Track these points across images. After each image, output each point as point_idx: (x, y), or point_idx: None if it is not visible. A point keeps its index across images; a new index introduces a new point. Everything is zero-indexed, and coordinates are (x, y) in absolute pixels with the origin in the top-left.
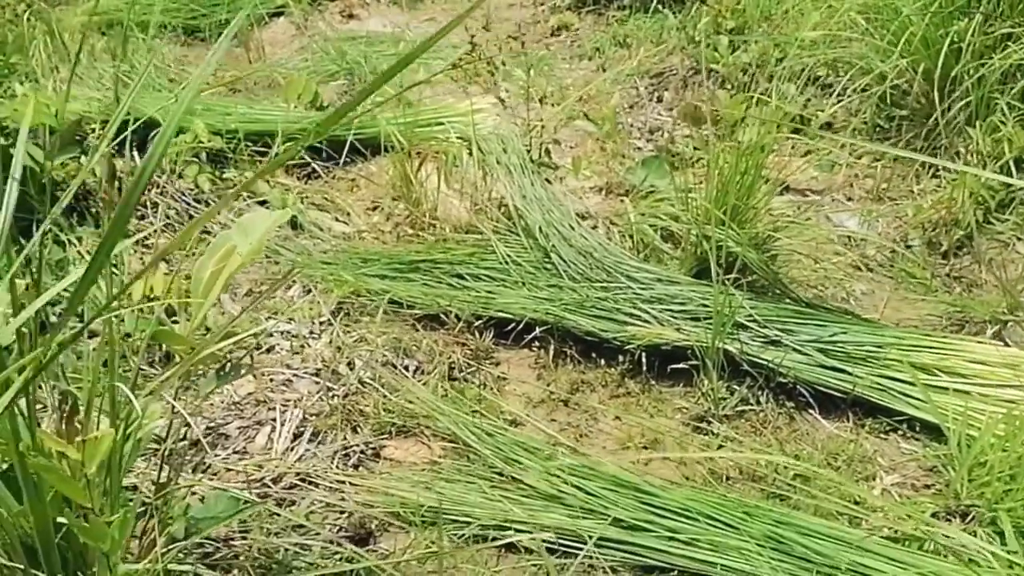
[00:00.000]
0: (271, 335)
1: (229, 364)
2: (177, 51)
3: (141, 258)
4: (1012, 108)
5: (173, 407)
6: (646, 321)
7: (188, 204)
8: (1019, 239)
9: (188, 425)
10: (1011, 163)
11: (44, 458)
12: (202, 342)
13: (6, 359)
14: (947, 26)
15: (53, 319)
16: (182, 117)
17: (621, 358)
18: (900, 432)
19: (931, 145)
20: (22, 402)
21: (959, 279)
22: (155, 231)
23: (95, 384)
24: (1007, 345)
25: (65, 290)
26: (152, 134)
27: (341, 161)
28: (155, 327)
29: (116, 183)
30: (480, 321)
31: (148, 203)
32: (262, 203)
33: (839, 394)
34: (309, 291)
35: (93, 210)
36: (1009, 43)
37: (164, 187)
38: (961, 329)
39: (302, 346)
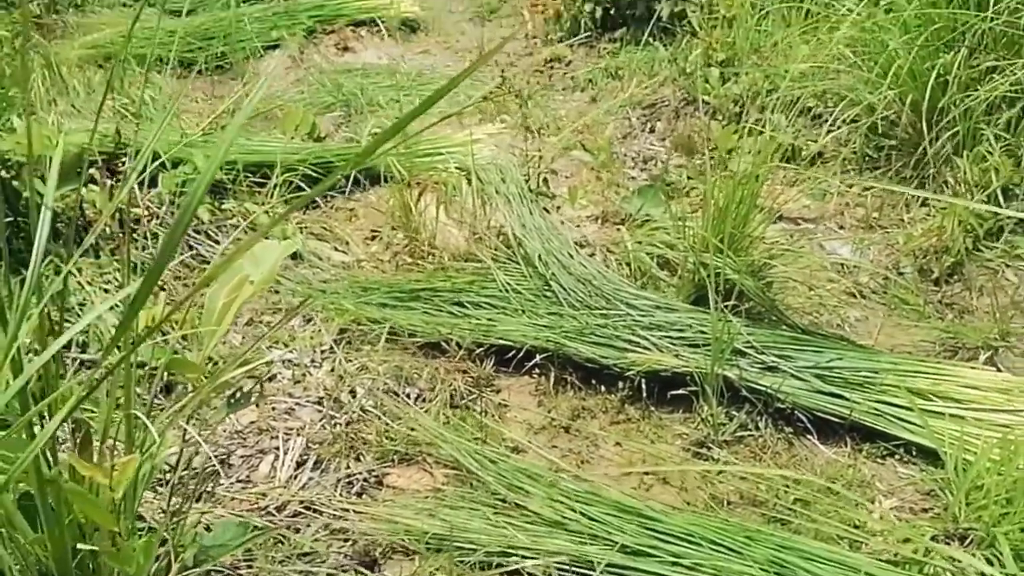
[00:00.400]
0: (272, 363)
1: (239, 392)
2: (174, 84)
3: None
4: (998, 138)
5: (184, 434)
6: (645, 348)
7: (188, 235)
8: (1008, 266)
9: (196, 453)
10: (998, 192)
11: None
12: (214, 371)
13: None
14: (933, 59)
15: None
16: (181, 149)
17: (621, 384)
18: (897, 456)
19: (920, 175)
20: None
21: (951, 306)
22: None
23: (111, 412)
24: (999, 370)
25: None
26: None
27: (341, 191)
28: (170, 356)
29: (118, 215)
30: (481, 349)
31: (148, 234)
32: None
33: (837, 419)
34: (310, 320)
35: (93, 241)
36: (994, 75)
37: (163, 218)
38: (954, 355)
39: (304, 375)
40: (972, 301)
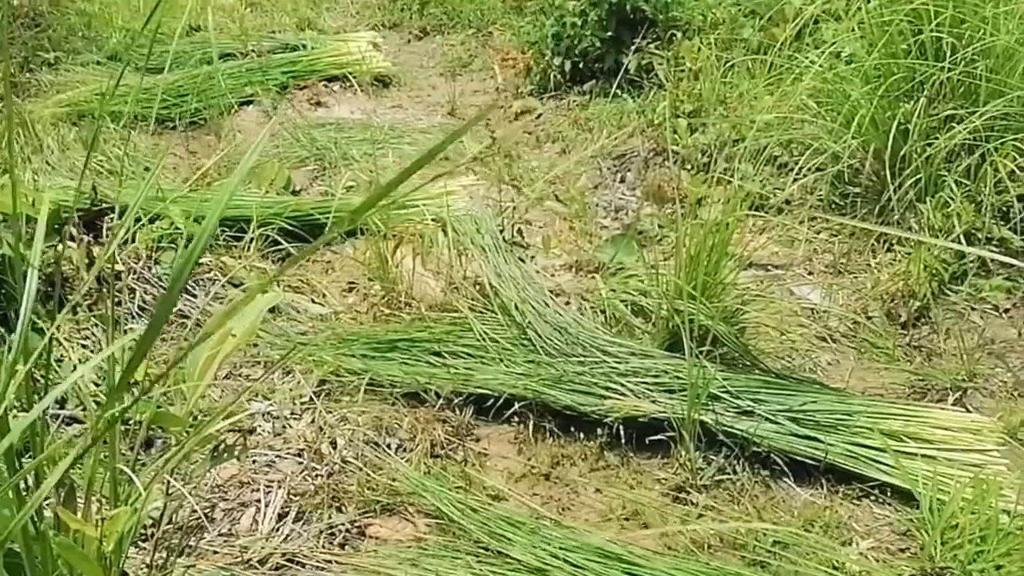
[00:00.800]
0: (253, 416)
1: (223, 446)
2: (149, 141)
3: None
4: (959, 184)
5: (167, 488)
6: (623, 394)
7: (165, 290)
8: (973, 309)
9: (179, 507)
10: (961, 237)
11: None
12: (197, 424)
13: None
14: (894, 108)
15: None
16: (157, 205)
17: (600, 431)
18: (873, 497)
19: (884, 221)
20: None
21: (919, 348)
22: (133, 317)
23: (96, 467)
24: (968, 411)
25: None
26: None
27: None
28: (154, 410)
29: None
30: (460, 398)
31: (125, 289)
32: (237, 286)
33: (812, 462)
34: (289, 372)
35: (70, 297)
36: (953, 123)
37: (140, 273)
38: (924, 396)
39: (284, 427)
40: (940, 344)
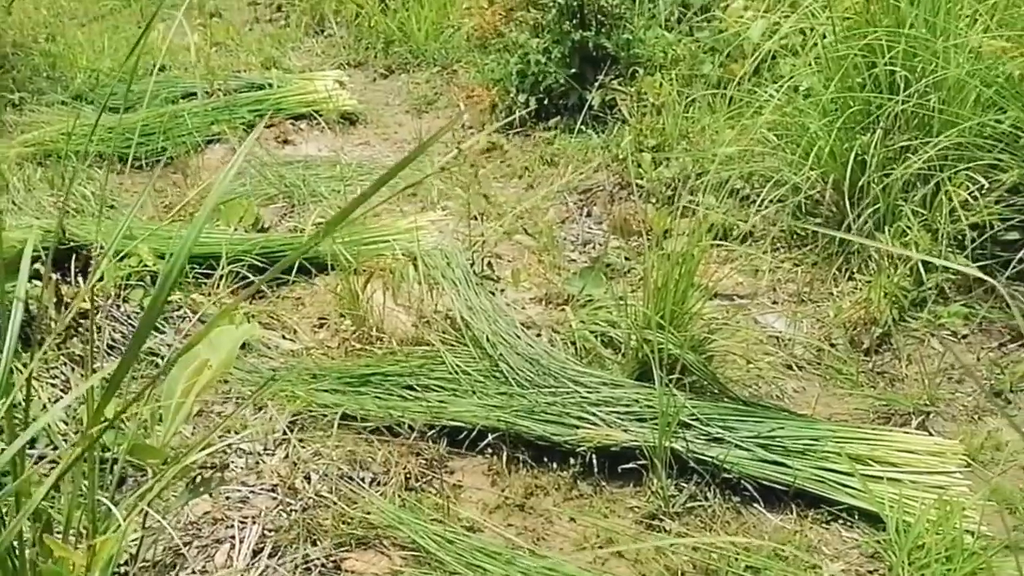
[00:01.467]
0: (225, 452)
1: (199, 479)
2: (115, 180)
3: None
4: (916, 214)
5: (143, 522)
6: (594, 424)
7: (133, 327)
8: (933, 335)
9: (154, 543)
10: (920, 264)
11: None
12: (173, 459)
13: None
14: (851, 140)
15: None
16: (124, 243)
17: (572, 461)
18: (841, 521)
19: (844, 250)
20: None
21: (882, 374)
22: (101, 354)
23: (73, 501)
24: (931, 434)
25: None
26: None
27: (286, 280)
28: (131, 442)
29: (63, 307)
30: (433, 430)
31: (93, 327)
32: (204, 322)
33: (781, 487)
34: (262, 408)
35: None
36: (908, 154)
37: (109, 311)
38: (888, 421)
39: (257, 462)
40: (901, 369)
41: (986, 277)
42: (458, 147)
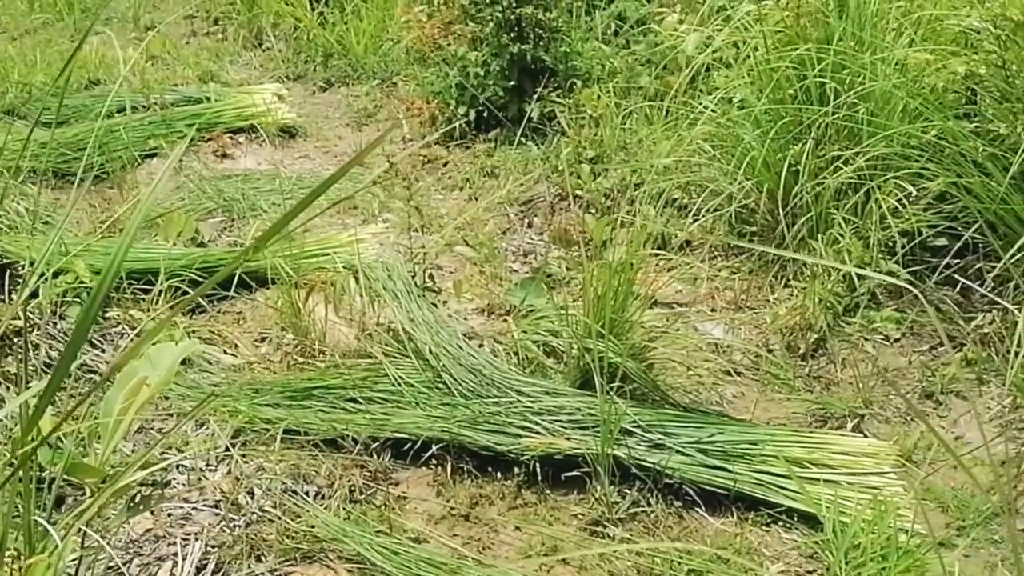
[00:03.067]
0: (166, 469)
1: (139, 497)
2: (49, 195)
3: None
4: (847, 221)
5: (82, 542)
6: (538, 433)
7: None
8: (866, 339)
9: (94, 562)
10: (852, 271)
11: None
12: (112, 477)
13: None
14: (784, 151)
15: None
16: (60, 258)
17: (517, 470)
18: (780, 523)
19: (780, 258)
20: None
21: (818, 378)
22: (38, 373)
23: (7, 522)
24: (865, 436)
25: None
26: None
27: (226, 295)
28: (69, 460)
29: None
30: (377, 443)
31: (29, 344)
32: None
33: (722, 491)
34: (203, 424)
35: None
36: (839, 164)
37: (45, 328)
38: (824, 424)
39: (200, 479)
40: (836, 373)
41: (907, 286)
42: (389, 160)
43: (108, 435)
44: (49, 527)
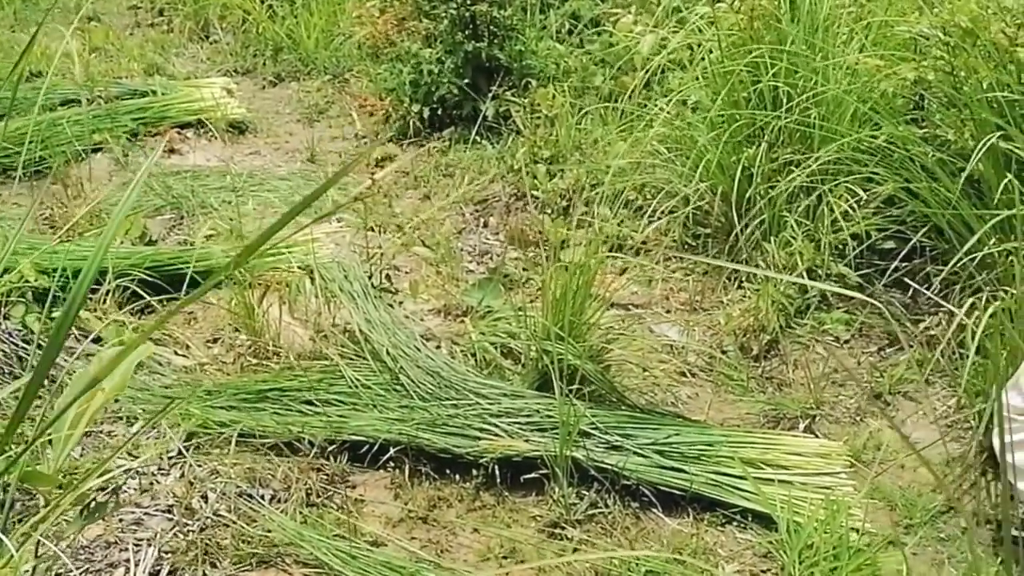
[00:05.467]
0: (120, 474)
1: (93, 503)
2: None
3: None
4: (800, 224)
5: (36, 550)
6: (496, 435)
7: (16, 345)
8: (817, 341)
9: (48, 570)
10: (804, 273)
11: None
12: (67, 483)
13: None
14: (738, 154)
15: None
16: (8, 258)
17: (475, 472)
18: (735, 523)
19: (733, 259)
20: None
21: (770, 379)
22: None
23: None
24: (817, 436)
25: None
26: None
27: (176, 295)
28: (23, 468)
29: None
30: (334, 445)
31: None
32: (96, 340)
33: (678, 492)
34: (155, 427)
35: None
36: (792, 167)
37: None
38: (777, 424)
39: (151, 483)
40: (789, 374)
41: (854, 293)
42: (371, 177)
43: (62, 442)
44: (4, 537)
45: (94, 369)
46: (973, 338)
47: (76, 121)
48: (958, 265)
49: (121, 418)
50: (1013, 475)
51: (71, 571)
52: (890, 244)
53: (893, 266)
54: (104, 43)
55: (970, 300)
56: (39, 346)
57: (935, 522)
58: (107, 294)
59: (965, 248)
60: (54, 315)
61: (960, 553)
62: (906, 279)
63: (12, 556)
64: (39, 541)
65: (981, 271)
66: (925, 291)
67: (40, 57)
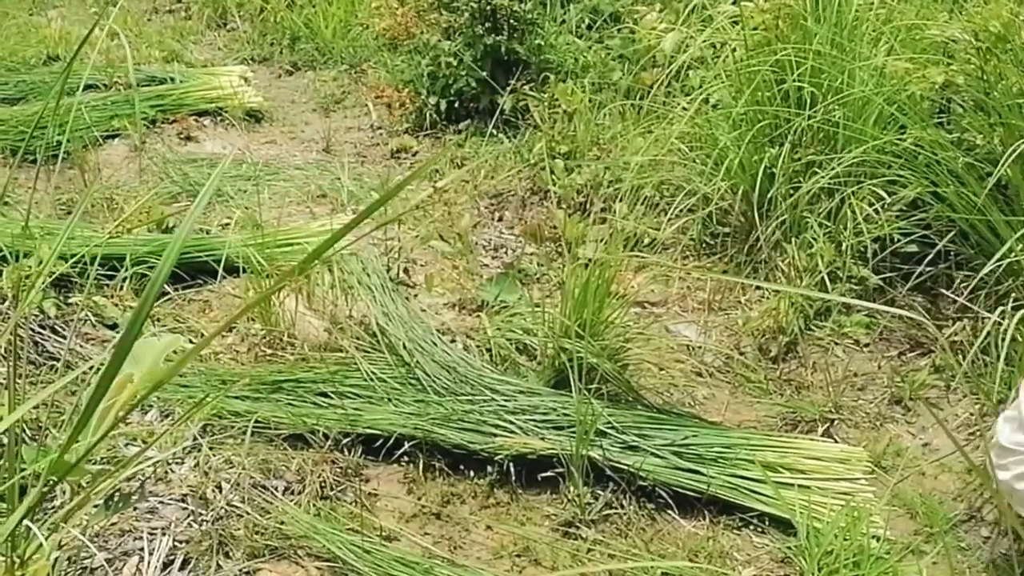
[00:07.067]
0: (135, 462)
1: (118, 494)
2: (5, 174)
3: None
4: (822, 226)
5: (60, 541)
6: (512, 432)
7: (33, 331)
8: (837, 344)
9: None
10: (824, 276)
11: None
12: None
13: None
14: (760, 153)
15: None
16: (25, 243)
17: (489, 469)
18: (752, 527)
19: (752, 260)
20: None
21: (789, 382)
22: None
23: None
24: (836, 441)
25: None
26: None
27: (192, 283)
28: (53, 459)
29: None
30: (348, 438)
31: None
32: (111, 327)
33: (695, 494)
34: (168, 415)
35: None
36: (815, 169)
37: (7, 314)
38: (795, 428)
39: (166, 472)
40: (807, 377)
41: (877, 306)
42: (434, 186)
43: (91, 433)
44: (37, 531)
45: (120, 361)
46: (998, 345)
47: (94, 107)
48: (983, 270)
49: (136, 406)
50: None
51: (95, 559)
52: (913, 248)
53: (917, 271)
54: (123, 29)
55: (997, 308)
56: (54, 331)
57: (956, 531)
58: (124, 281)
59: (997, 256)
60: (71, 300)
61: (981, 563)
62: (929, 284)
63: (41, 545)
64: (63, 530)
65: (1008, 277)
66: (952, 296)
67: (59, 41)
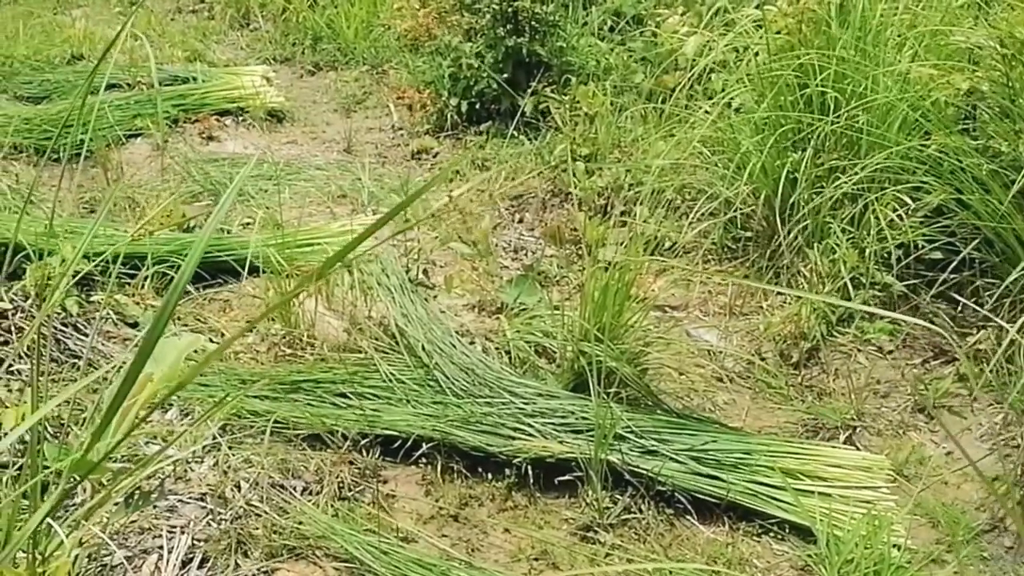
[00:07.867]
0: (157, 461)
1: (138, 492)
2: (31, 172)
3: (7, 385)
4: (845, 232)
5: (80, 539)
6: (530, 435)
7: (55, 328)
8: (859, 350)
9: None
10: (847, 282)
11: None
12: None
13: None
14: (783, 158)
15: None
16: (48, 241)
17: (508, 472)
18: (772, 534)
19: (774, 265)
20: None
21: (810, 388)
22: (20, 357)
23: (13, 520)
24: (858, 448)
25: None
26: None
27: (212, 282)
28: (75, 457)
29: None
30: (367, 439)
31: (12, 328)
32: (133, 325)
33: (714, 500)
34: (188, 414)
35: None
36: (838, 174)
37: (30, 312)
38: (816, 435)
39: (185, 471)
40: (829, 383)
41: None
42: (450, 195)
43: (112, 432)
44: (58, 528)
45: (143, 360)
46: (1022, 354)
47: (117, 106)
48: (1007, 278)
49: (153, 404)
50: None
51: (114, 557)
52: (937, 255)
53: (941, 278)
54: (146, 28)
55: (1022, 317)
56: (76, 329)
57: (978, 540)
58: (145, 279)
59: (1022, 265)
60: (92, 299)
61: (1003, 574)
62: (953, 292)
63: (62, 542)
64: (84, 528)
65: None
66: (974, 306)
67: (83, 40)
